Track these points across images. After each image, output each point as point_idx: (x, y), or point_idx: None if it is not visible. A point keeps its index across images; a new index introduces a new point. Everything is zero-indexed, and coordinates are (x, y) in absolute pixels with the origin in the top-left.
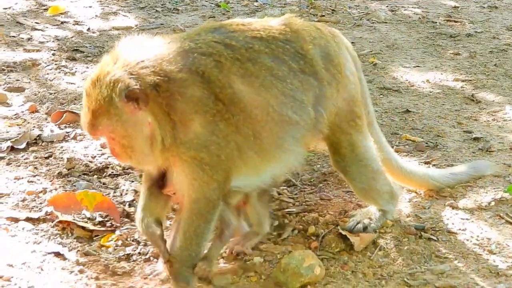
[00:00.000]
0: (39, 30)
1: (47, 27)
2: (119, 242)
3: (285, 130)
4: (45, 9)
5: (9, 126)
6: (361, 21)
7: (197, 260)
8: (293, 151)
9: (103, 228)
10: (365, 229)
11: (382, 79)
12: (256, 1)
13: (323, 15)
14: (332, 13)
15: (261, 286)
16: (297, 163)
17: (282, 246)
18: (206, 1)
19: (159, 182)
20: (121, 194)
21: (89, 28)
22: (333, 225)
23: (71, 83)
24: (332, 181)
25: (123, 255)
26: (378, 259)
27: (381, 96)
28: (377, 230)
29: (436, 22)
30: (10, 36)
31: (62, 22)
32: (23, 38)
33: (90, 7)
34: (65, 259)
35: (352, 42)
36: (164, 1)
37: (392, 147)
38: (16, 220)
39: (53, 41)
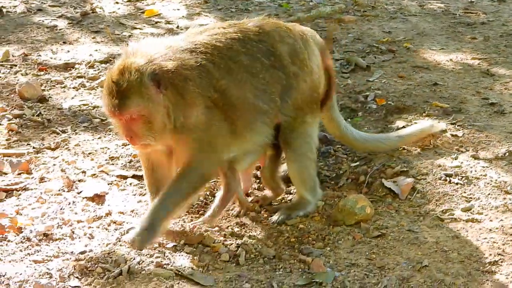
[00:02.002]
0: (137, 29)
1: (144, 26)
2: (208, 192)
3: (256, 118)
4: (142, 12)
5: None
6: (396, 14)
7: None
8: (262, 131)
9: None
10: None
11: (415, 60)
12: (311, 0)
13: (365, 11)
14: (372, 9)
15: (323, 224)
16: (267, 140)
17: (338, 192)
18: (270, 2)
19: None
20: None
21: (177, 26)
22: (378, 175)
23: None
24: None
25: (210, 202)
26: (416, 200)
27: (414, 72)
28: (415, 177)
29: (456, 14)
30: (114, 34)
31: (156, 22)
32: (125, 35)
33: (178, 9)
34: None
35: (389, 31)
36: (237, 3)
37: (424, 112)
38: (125, 177)
39: (149, 37)
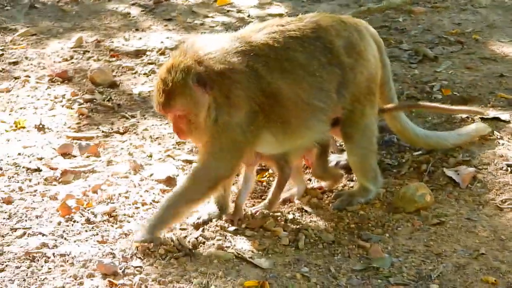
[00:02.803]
0: (209, 17)
1: (216, 15)
2: (271, 178)
3: (311, 116)
4: (214, 1)
5: None
6: (466, 6)
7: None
8: (317, 128)
9: (259, 168)
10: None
11: (483, 51)
12: None
13: (436, 2)
14: (443, 1)
15: (383, 211)
16: (323, 136)
17: (400, 180)
18: None
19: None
20: None
21: (249, 15)
22: (440, 164)
23: None
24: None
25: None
26: (476, 189)
27: (481, 64)
28: (476, 166)
29: None
30: (186, 22)
31: (227, 11)
32: (197, 23)
33: None
34: None
35: (459, 23)
36: None
37: (489, 103)
38: (190, 162)
39: (220, 26)
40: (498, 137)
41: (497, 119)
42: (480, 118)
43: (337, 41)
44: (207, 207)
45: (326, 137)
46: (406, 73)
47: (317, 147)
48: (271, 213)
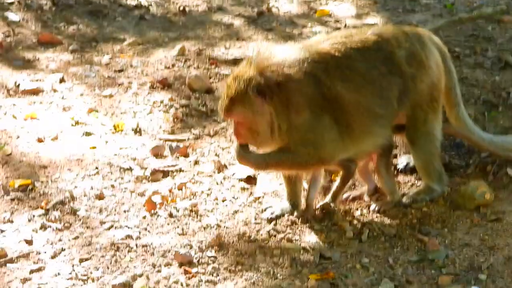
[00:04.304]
0: (307, 27)
1: (314, 25)
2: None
3: (372, 121)
4: (314, 12)
5: None
6: None
7: None
8: (379, 134)
9: None
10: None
11: None
12: (475, 1)
13: None
14: None
15: (446, 208)
16: (384, 140)
17: (465, 179)
18: (437, 3)
19: None
20: None
21: (345, 25)
22: (505, 164)
23: None
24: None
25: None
26: None
27: None
28: None
29: None
30: (285, 32)
31: (325, 21)
32: (295, 33)
33: (349, 9)
34: None
35: None
36: (405, 3)
37: None
38: None
39: (317, 35)
40: None
41: None
42: None
43: (398, 52)
44: (280, 204)
45: (388, 142)
46: (487, 79)
47: (379, 151)
48: (338, 209)
